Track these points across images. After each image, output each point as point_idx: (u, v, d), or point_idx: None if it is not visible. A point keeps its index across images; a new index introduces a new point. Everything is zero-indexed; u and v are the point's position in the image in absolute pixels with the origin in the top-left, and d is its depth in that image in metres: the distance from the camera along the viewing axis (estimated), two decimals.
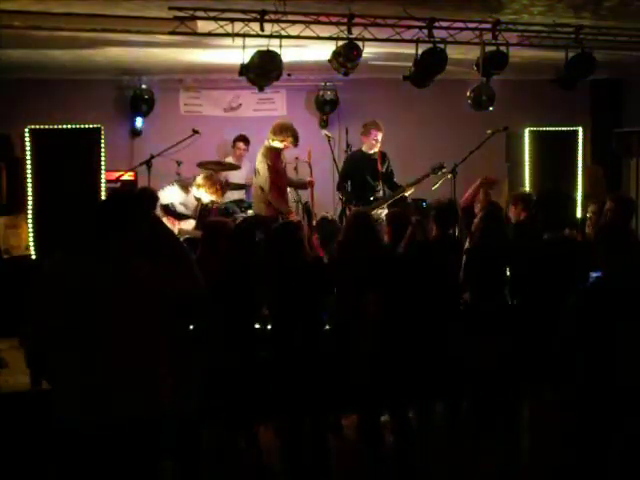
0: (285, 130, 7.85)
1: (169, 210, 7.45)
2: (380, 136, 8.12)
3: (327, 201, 8.93)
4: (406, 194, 8.07)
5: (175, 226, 7.38)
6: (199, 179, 7.62)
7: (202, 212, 7.59)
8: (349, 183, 8.11)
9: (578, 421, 3.69)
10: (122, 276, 3.33)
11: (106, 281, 3.30)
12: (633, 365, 3.41)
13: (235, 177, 9.23)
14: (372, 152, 8.19)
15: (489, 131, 7.97)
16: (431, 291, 5.21)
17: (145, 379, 3.33)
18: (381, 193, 8.15)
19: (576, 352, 3.57)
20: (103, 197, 7.15)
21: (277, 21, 6.30)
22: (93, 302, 3.27)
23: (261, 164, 7.89)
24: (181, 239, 7.39)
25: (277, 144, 7.87)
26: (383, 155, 8.25)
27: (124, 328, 3.28)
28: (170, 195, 7.64)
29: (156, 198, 6.52)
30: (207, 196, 7.57)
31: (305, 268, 4.89)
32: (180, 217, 7.57)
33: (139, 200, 3.65)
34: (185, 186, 7.75)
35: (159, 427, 3.35)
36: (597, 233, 3.79)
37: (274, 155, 7.85)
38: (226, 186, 8.78)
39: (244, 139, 9.47)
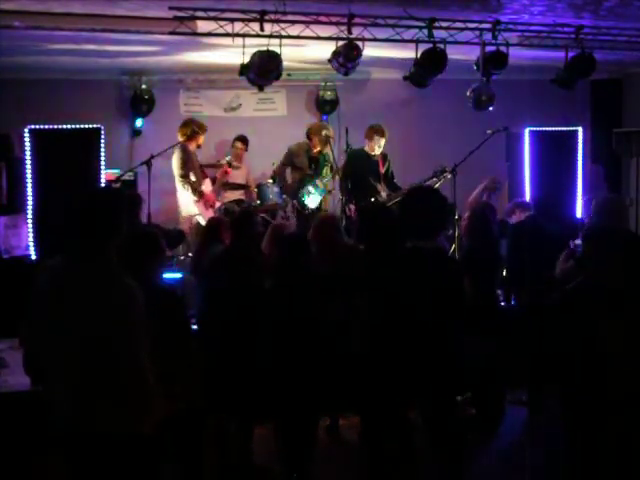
0: (315, 132, 8.60)
1: None
2: (383, 142, 8.21)
3: (327, 201, 8.92)
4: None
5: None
6: None
7: None
8: (349, 182, 8.16)
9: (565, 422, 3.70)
10: (95, 282, 3.21)
11: (77, 285, 3.21)
12: (618, 363, 3.41)
13: (235, 177, 9.23)
14: (374, 153, 8.23)
15: (489, 131, 7.97)
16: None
17: (118, 395, 3.21)
18: (384, 194, 8.16)
19: (560, 351, 3.58)
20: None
21: (277, 21, 6.30)
22: (65, 304, 3.20)
23: None
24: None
25: (309, 140, 8.68)
26: (384, 157, 8.27)
27: (92, 334, 3.17)
28: None
29: (140, 201, 6.54)
30: None
31: (314, 275, 4.88)
32: None
33: (123, 202, 3.52)
34: None
35: (135, 444, 3.24)
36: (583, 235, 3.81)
37: (299, 149, 8.67)
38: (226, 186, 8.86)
39: (242, 139, 9.48)
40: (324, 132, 8.56)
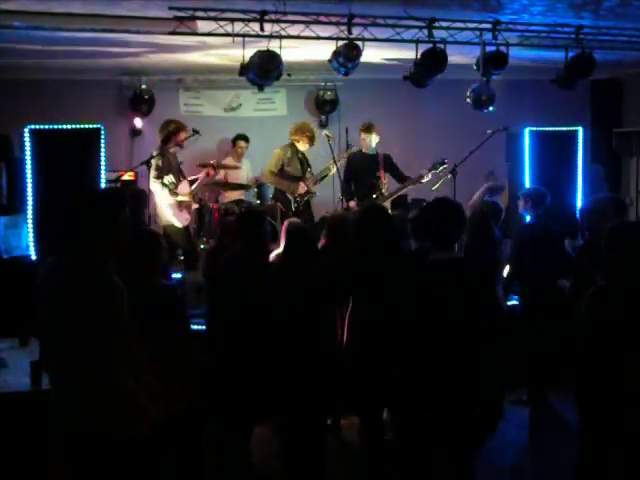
0: (300, 131, 8.58)
1: None
2: (373, 137, 8.19)
3: (327, 201, 8.93)
4: (402, 192, 8.11)
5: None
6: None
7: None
8: (352, 183, 8.22)
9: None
10: (94, 282, 3.20)
11: (76, 285, 3.20)
12: (633, 362, 3.42)
13: (235, 177, 9.23)
14: (371, 153, 8.24)
15: (489, 131, 7.97)
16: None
17: (107, 395, 3.21)
18: (384, 191, 8.17)
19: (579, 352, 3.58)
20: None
21: (277, 21, 6.30)
22: (60, 304, 3.20)
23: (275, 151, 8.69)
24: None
25: (295, 142, 8.59)
26: (386, 157, 8.27)
27: (84, 332, 3.16)
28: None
29: (143, 198, 6.53)
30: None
31: (316, 274, 4.88)
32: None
33: (123, 200, 3.50)
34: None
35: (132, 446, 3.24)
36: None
37: (291, 154, 8.59)
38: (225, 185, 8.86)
39: (244, 138, 9.50)
40: (316, 132, 8.59)
